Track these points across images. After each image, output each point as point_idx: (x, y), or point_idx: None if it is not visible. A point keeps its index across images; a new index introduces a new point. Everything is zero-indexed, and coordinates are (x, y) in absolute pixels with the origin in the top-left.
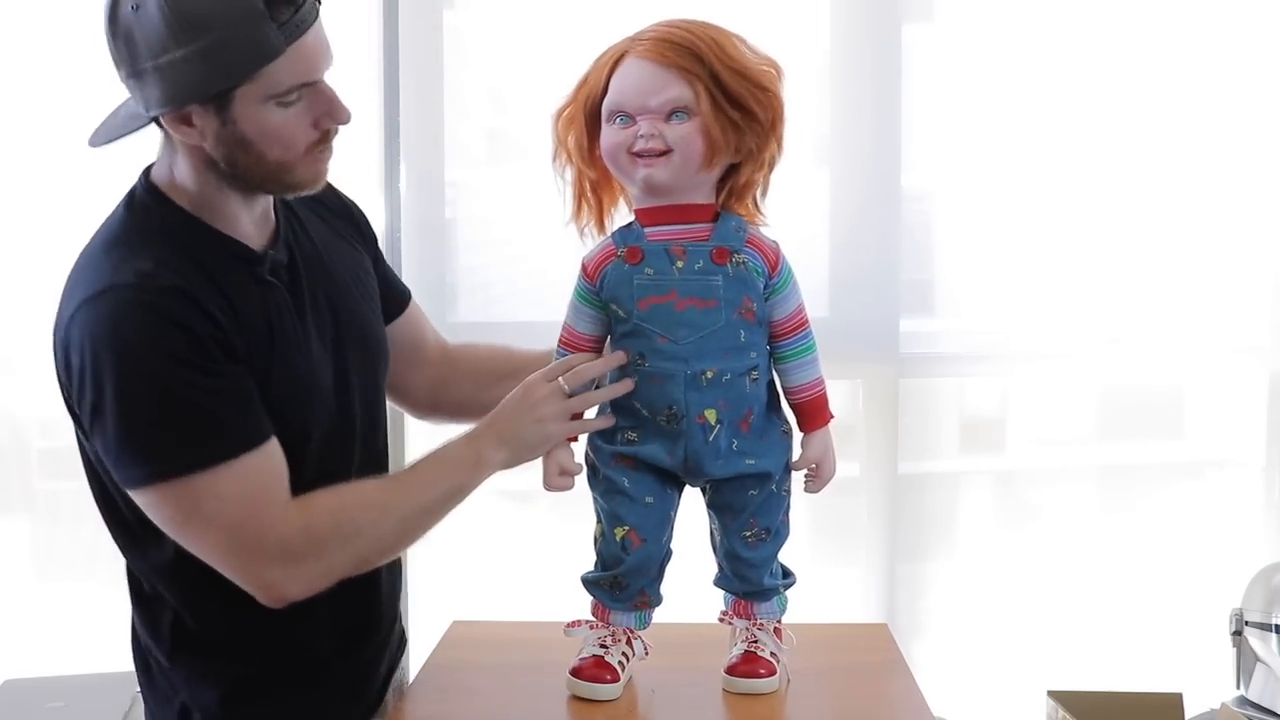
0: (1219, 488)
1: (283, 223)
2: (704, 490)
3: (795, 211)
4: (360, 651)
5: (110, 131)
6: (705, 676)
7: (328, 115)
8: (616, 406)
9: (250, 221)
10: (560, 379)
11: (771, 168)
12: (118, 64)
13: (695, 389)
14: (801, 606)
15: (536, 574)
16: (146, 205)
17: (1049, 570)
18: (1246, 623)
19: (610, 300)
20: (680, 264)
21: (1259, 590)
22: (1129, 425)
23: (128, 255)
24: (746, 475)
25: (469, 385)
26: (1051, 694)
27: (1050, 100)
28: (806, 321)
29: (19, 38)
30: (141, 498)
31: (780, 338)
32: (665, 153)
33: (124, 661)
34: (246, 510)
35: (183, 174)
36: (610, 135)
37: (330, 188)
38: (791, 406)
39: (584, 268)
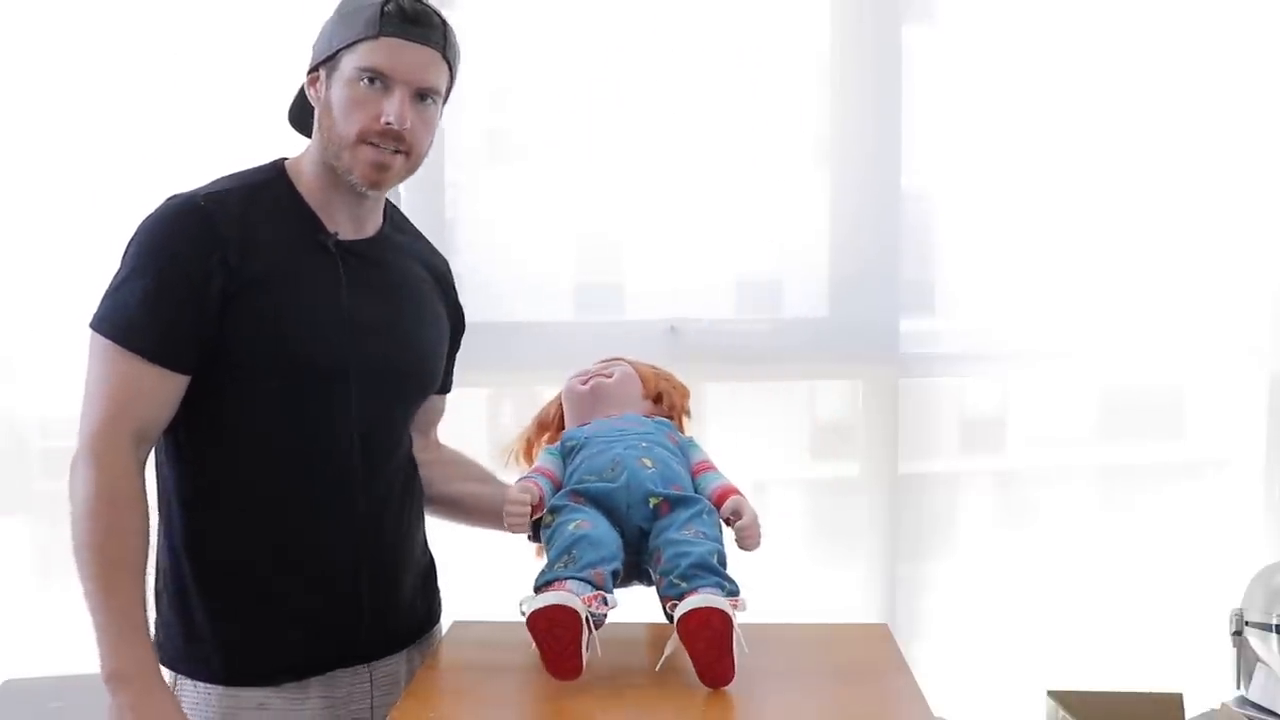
0: (1219, 488)
1: (384, 240)
2: (648, 560)
3: (795, 212)
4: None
5: (294, 111)
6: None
7: (388, 113)
8: (570, 494)
9: (344, 216)
10: None
11: (682, 425)
12: None
13: (634, 449)
14: (801, 606)
15: (536, 574)
16: (266, 165)
17: (1049, 570)
18: (1247, 623)
19: (565, 441)
20: (618, 417)
21: (1259, 590)
22: (1129, 425)
23: (217, 183)
24: (678, 497)
25: (440, 472)
26: (1051, 694)
27: (1051, 101)
28: (715, 468)
29: (18, 41)
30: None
31: (698, 473)
32: (608, 376)
33: None
34: (110, 400)
35: (307, 154)
36: (567, 386)
37: (447, 267)
38: (713, 503)
39: (547, 446)
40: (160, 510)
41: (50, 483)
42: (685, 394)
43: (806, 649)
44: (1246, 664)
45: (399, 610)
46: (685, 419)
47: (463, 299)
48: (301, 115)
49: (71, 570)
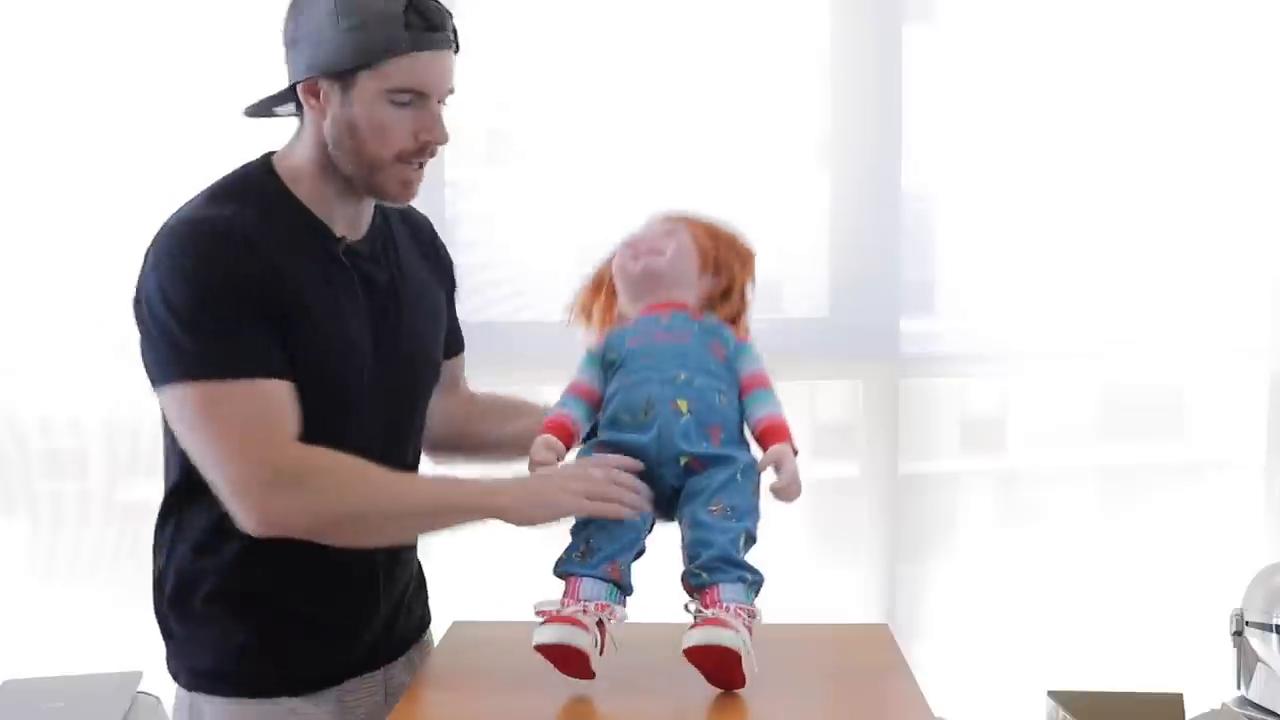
0: (1219, 488)
1: (376, 232)
2: (674, 500)
3: (795, 212)
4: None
5: (261, 104)
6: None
7: (428, 130)
8: (606, 427)
9: (343, 217)
10: (594, 470)
11: (745, 297)
12: (284, 33)
13: (669, 385)
14: (801, 606)
15: (536, 574)
16: (254, 171)
17: (1049, 570)
18: (1247, 623)
19: (607, 350)
20: (664, 321)
21: (1259, 591)
22: (1129, 425)
23: (217, 202)
24: (711, 456)
25: (484, 423)
26: (1051, 694)
27: (1051, 100)
28: (770, 382)
29: (17, 39)
30: (164, 395)
31: (747, 390)
32: (660, 251)
33: (124, 661)
34: (254, 428)
35: (298, 156)
36: (619, 257)
37: (426, 221)
38: (755, 438)
39: (589, 347)
40: (169, 525)
41: (50, 483)
42: (747, 261)
43: (806, 649)
44: (1247, 664)
45: (403, 614)
46: (749, 285)
47: (463, 299)
48: (264, 103)
49: (71, 571)
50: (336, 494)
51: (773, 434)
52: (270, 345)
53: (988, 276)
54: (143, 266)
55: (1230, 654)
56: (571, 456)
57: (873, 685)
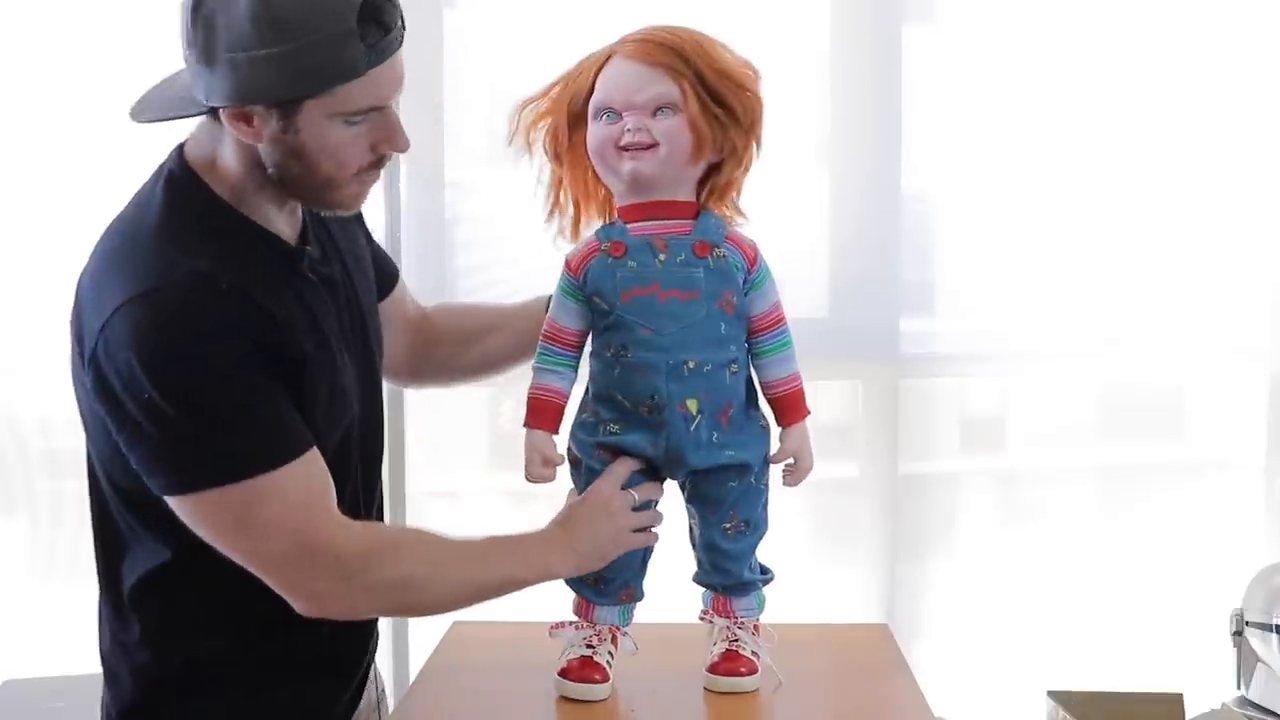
0: (1219, 488)
1: (309, 216)
2: (682, 486)
3: (795, 212)
4: (347, 650)
5: (160, 109)
6: (699, 678)
7: (387, 142)
8: (599, 399)
9: (282, 217)
10: (632, 493)
11: (749, 169)
12: (189, 45)
13: (677, 379)
14: (801, 606)
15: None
16: (185, 190)
17: (1049, 570)
18: (1247, 623)
19: (594, 293)
20: (663, 257)
21: (1259, 591)
22: (1129, 425)
23: (176, 248)
24: (726, 467)
25: (447, 347)
26: (1051, 694)
27: (1051, 101)
28: (783, 318)
29: (17, 37)
30: (191, 503)
31: (758, 333)
32: (652, 146)
33: None
34: (304, 516)
35: (226, 162)
36: (597, 131)
37: None
38: (769, 401)
39: (568, 263)
40: (168, 610)
41: (50, 483)
42: (751, 128)
43: (806, 649)
44: (1246, 664)
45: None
46: (755, 147)
47: (462, 299)
48: (158, 113)
49: (72, 570)
50: (396, 582)
51: (789, 409)
52: (293, 414)
53: (988, 276)
54: (102, 345)
55: (1230, 654)
56: (562, 441)
57: (873, 685)
